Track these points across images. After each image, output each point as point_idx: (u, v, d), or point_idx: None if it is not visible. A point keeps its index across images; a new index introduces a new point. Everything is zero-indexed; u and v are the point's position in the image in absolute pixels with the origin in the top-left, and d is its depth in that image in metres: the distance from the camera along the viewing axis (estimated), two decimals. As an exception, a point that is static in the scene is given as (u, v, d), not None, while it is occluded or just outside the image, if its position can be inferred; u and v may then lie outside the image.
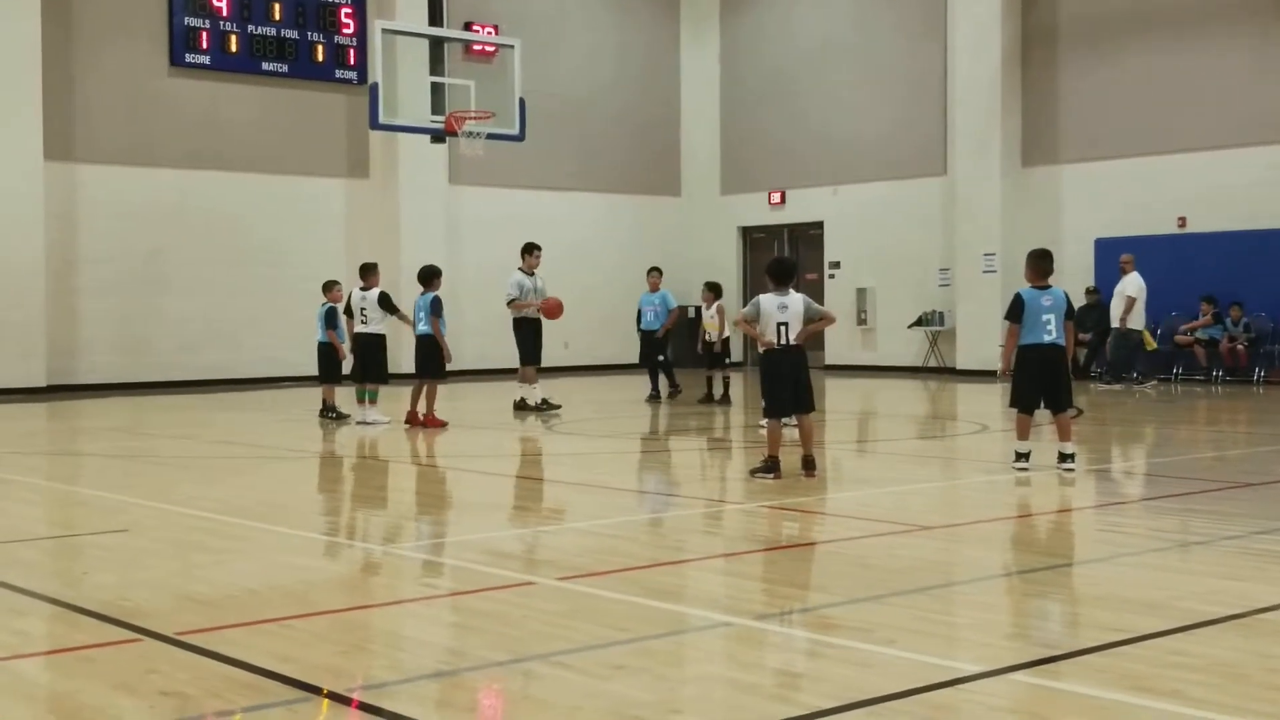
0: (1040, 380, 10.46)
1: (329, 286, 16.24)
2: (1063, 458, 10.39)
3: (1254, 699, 4.48)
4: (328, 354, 16.06)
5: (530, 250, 17.16)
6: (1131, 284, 19.79)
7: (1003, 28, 23.09)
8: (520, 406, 16.92)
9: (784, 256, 12.20)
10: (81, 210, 21.70)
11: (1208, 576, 6.64)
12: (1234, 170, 20.70)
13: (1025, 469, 10.40)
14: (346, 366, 15.96)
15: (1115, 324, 20.02)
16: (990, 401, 18.84)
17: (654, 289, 18.88)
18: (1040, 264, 10.60)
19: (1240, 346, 20.20)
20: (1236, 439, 14.08)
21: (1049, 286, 10.49)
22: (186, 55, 22.39)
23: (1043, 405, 10.57)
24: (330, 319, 15.99)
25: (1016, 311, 10.43)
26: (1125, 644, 5.17)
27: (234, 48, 22.78)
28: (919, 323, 24.62)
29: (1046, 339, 10.34)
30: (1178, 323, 21.15)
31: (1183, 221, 21.33)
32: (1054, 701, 4.57)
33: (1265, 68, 20.51)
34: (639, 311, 18.96)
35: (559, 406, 16.92)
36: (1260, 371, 20.18)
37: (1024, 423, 10.61)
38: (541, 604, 6.13)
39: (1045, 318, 10.33)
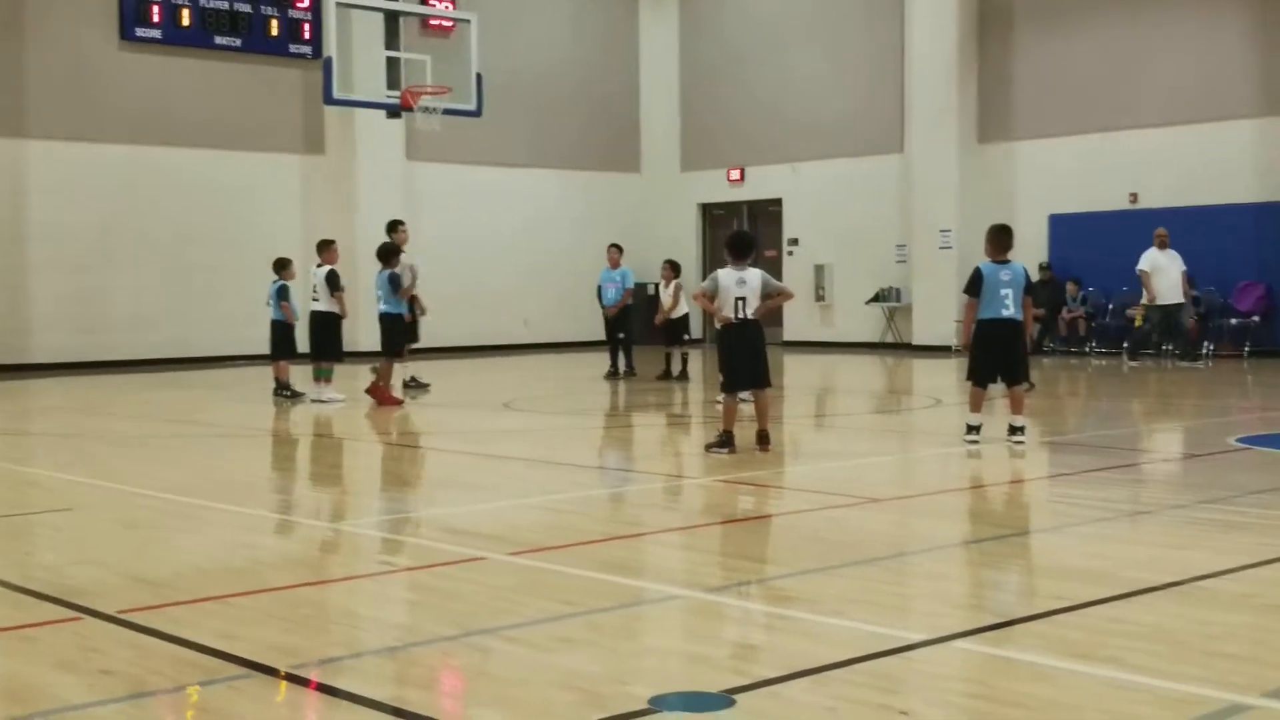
0: (997, 354, 10.51)
1: (281, 265, 16.07)
2: (1013, 430, 10.46)
3: (1191, 664, 4.54)
4: (281, 331, 15.95)
5: (396, 227, 16.37)
6: (1145, 259, 19.22)
7: (959, 6, 23.15)
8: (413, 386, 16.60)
9: (743, 231, 12.20)
10: (31, 187, 21.42)
11: (1151, 546, 6.73)
12: (1185, 147, 20.88)
13: (976, 441, 10.47)
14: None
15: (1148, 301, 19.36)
16: (946, 376, 18.96)
17: (614, 265, 18.82)
18: (1000, 238, 10.62)
19: (1191, 321, 20.39)
20: (1184, 411, 14.23)
21: (1008, 261, 10.53)
22: (137, 29, 22.11)
23: (998, 379, 10.62)
24: (282, 295, 15.86)
25: (975, 286, 10.47)
26: (1067, 611, 5.23)
27: (186, 21, 22.49)
28: (876, 299, 24.72)
29: (1005, 313, 10.38)
30: (1129, 298, 21.32)
31: (1134, 197, 21.49)
32: (998, 668, 4.62)
33: (1215, 46, 20.67)
34: (599, 288, 18.91)
35: (427, 385, 16.62)
36: (1209, 345, 20.39)
37: (977, 396, 10.67)
38: (493, 579, 6.13)
39: (1004, 292, 10.37)
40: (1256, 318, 19.83)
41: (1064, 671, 4.48)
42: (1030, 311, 10.72)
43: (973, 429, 10.57)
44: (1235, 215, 20.21)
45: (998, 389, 10.89)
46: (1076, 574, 5.95)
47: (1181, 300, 19.23)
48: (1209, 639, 4.86)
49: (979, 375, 10.60)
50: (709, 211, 27.96)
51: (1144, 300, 19.37)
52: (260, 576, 6.27)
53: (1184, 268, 19.03)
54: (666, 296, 17.81)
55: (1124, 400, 15.39)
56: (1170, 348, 19.61)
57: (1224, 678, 4.40)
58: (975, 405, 10.65)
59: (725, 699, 4.22)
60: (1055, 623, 5.10)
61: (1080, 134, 22.08)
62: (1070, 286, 21.78)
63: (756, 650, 4.99)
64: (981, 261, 10.65)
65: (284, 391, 15.71)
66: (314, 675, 4.62)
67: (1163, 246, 19.06)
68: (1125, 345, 20.32)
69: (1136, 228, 21.24)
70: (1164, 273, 18.98)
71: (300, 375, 16.02)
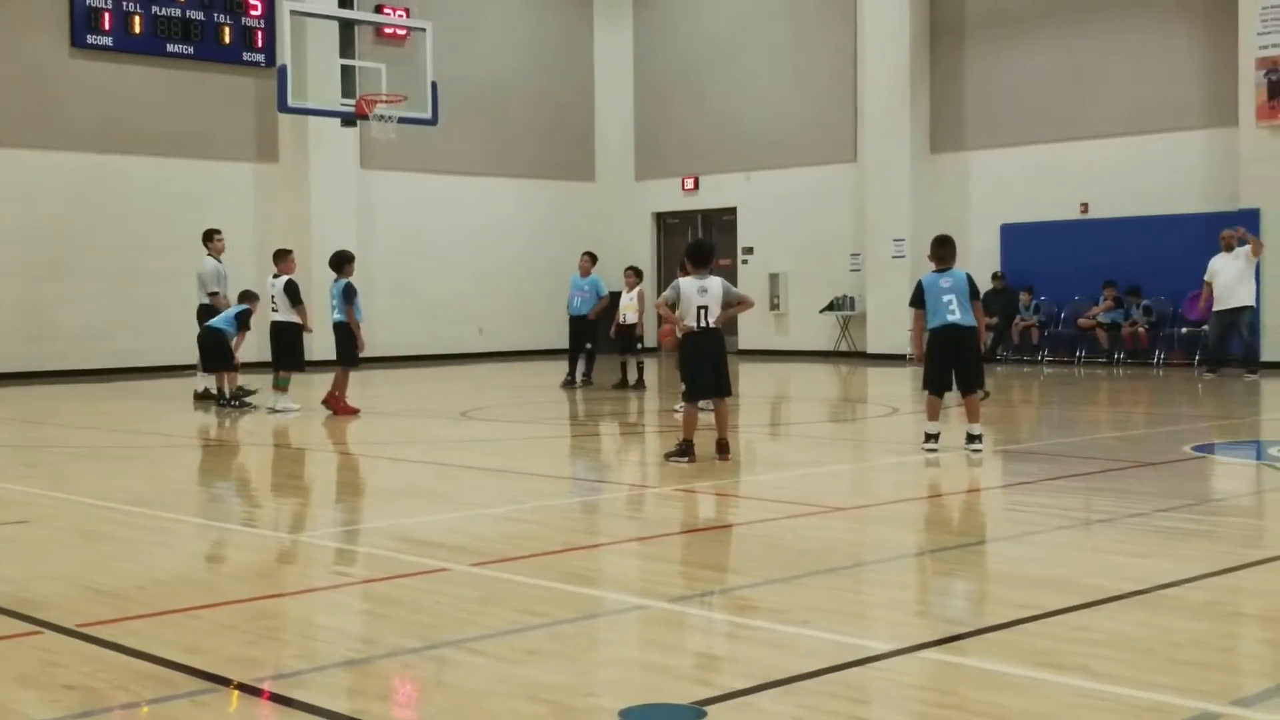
0: (949, 361, 10.59)
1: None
2: (970, 439, 10.53)
3: (1158, 672, 4.58)
4: (215, 341, 15.84)
5: (211, 236, 16.72)
6: (1210, 265, 18.44)
7: (912, 16, 23.33)
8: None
9: (702, 239, 12.22)
10: (-21, 195, 21.13)
11: (1112, 554, 6.77)
12: (1135, 157, 21.13)
13: (934, 449, 10.53)
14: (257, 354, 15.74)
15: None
16: (900, 384, 19.06)
17: (585, 273, 18.75)
18: (938, 249, 10.85)
19: (1141, 330, 20.62)
20: (1138, 420, 14.38)
21: (949, 269, 10.64)
22: (88, 36, 21.87)
23: (953, 387, 10.70)
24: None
25: (918, 298, 10.64)
26: (1032, 620, 5.25)
27: (138, 29, 22.28)
28: (830, 307, 24.83)
29: (950, 318, 10.48)
30: (1080, 307, 21.54)
31: (1085, 207, 21.72)
32: (963, 677, 4.63)
33: (1163, 56, 20.95)
34: (569, 295, 18.80)
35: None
36: (1160, 354, 20.63)
37: (934, 404, 10.74)
38: (455, 590, 6.09)
39: (946, 298, 10.48)
40: (1206, 327, 20.04)
41: (1032, 680, 4.50)
42: (981, 318, 10.79)
43: (931, 437, 10.64)
44: (1185, 225, 20.45)
45: (955, 397, 10.97)
46: (1040, 582, 5.98)
47: (1241, 304, 18.21)
48: (1175, 647, 4.90)
49: (934, 383, 10.68)
50: (663, 220, 27.99)
51: (1225, 304, 18.32)
52: (221, 589, 6.20)
53: (1241, 263, 18.11)
54: (629, 303, 17.79)
55: (1077, 409, 15.53)
56: (1234, 355, 18.63)
57: (1191, 685, 4.43)
58: (932, 413, 10.73)
59: (697, 710, 4.20)
60: (1021, 631, 5.12)
61: (1032, 144, 22.29)
62: (1023, 295, 21.97)
63: (724, 661, 4.98)
64: (925, 273, 10.82)
65: (222, 400, 15.60)
66: (277, 688, 4.57)
67: (1228, 248, 18.33)
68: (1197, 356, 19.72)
69: (1087, 237, 21.51)
70: (1220, 276, 18.30)
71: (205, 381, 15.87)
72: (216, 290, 16.49)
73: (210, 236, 16.88)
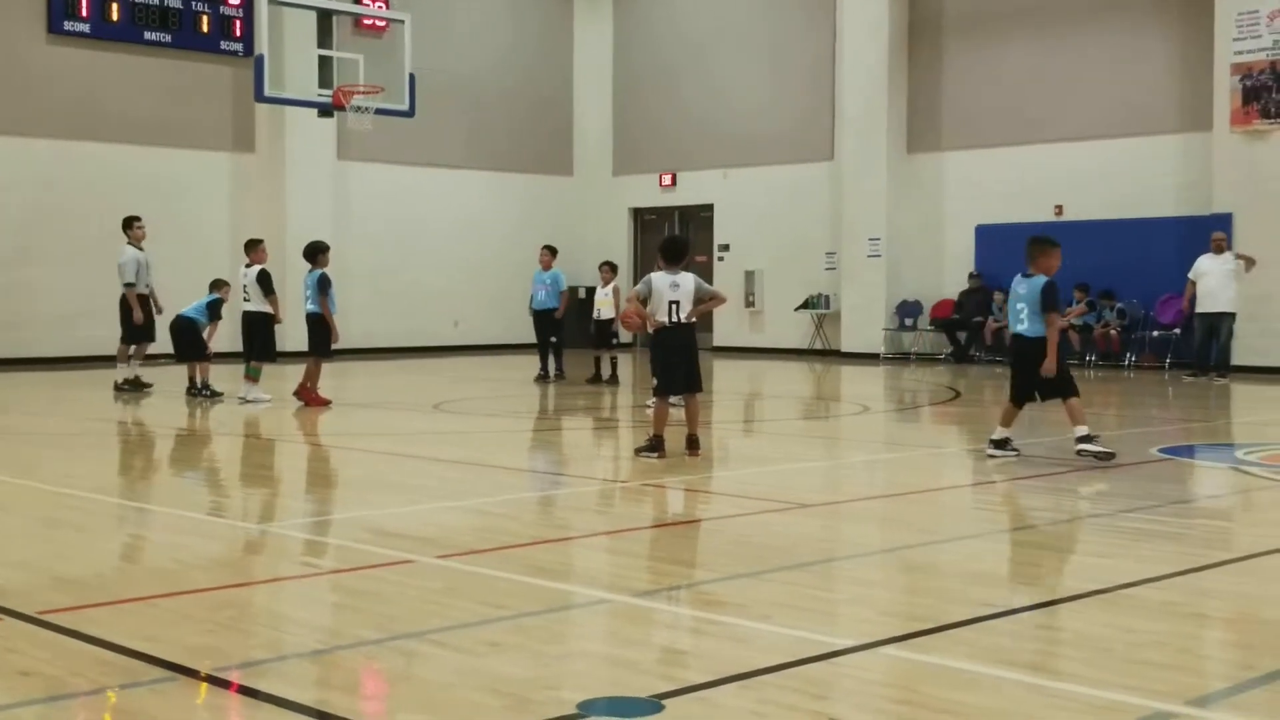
0: (1020, 372, 10.11)
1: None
2: (1080, 440, 9.96)
3: (1118, 672, 4.60)
4: (187, 330, 15.81)
5: (130, 224, 16.58)
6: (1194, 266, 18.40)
7: (890, 16, 23.37)
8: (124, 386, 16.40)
9: (677, 235, 12.13)
10: (-48, 180, 20.98)
11: (1075, 554, 6.81)
12: (1109, 160, 21.23)
13: (1001, 455, 10.11)
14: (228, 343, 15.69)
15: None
16: (874, 383, 19.14)
17: (546, 267, 18.76)
18: (1028, 249, 10.25)
19: (1113, 332, 20.72)
20: (1108, 421, 14.43)
21: (1031, 275, 10.13)
22: (65, 23, 21.72)
23: (1036, 398, 10.19)
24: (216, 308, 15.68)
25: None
26: (993, 618, 5.28)
27: (115, 16, 22.14)
28: (805, 305, 24.87)
29: (1018, 328, 10.08)
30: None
31: (1060, 210, 21.81)
32: (924, 674, 4.65)
33: (1139, 61, 21.05)
34: (532, 290, 18.83)
35: (150, 386, 16.38)
36: (1131, 356, 20.74)
37: (1009, 412, 10.26)
38: (420, 581, 6.08)
39: (1019, 306, 9.99)
40: (1178, 330, 20.17)
41: (992, 678, 4.51)
42: (1053, 331, 9.99)
43: (998, 444, 10.25)
44: (1158, 229, 20.57)
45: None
46: (1003, 581, 6.02)
47: (1221, 310, 18.15)
48: (1135, 646, 4.92)
49: (1011, 391, 10.22)
50: (640, 216, 27.99)
51: (1206, 308, 18.26)
52: (183, 578, 6.17)
53: (1230, 267, 18.07)
54: (605, 298, 17.79)
55: (1046, 410, 15.55)
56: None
57: (1150, 685, 4.46)
58: (1005, 420, 10.28)
59: (654, 704, 4.21)
60: (983, 629, 5.14)
61: (1008, 146, 22.37)
62: (997, 296, 22.02)
63: (685, 655, 4.99)
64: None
65: (202, 391, 15.55)
66: (237, 678, 4.55)
67: (1217, 250, 18.27)
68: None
69: (1061, 239, 21.45)
70: (1206, 277, 18.22)
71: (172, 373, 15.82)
72: (132, 282, 16.24)
73: (130, 224, 16.54)
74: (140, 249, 16.49)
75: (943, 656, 4.79)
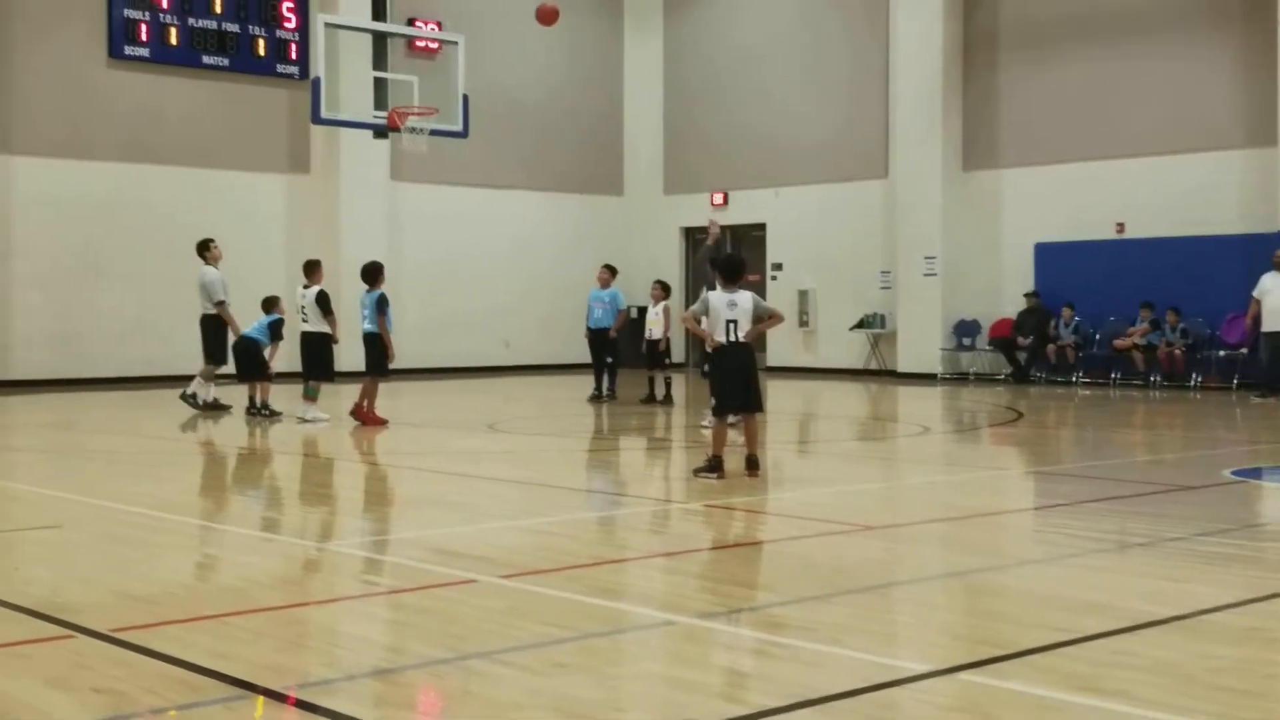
0: None
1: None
2: None
3: (1200, 699, 4.49)
4: (250, 351, 15.89)
5: (208, 245, 16.79)
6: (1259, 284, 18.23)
7: (944, 32, 23.24)
8: (191, 402, 16.44)
9: (733, 254, 12.07)
10: (16, 203, 21.28)
11: (1150, 578, 6.68)
12: (1171, 176, 20.94)
13: None
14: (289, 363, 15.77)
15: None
16: (931, 403, 18.96)
17: (604, 285, 18.73)
18: None
19: (1177, 352, 20.43)
20: (1174, 443, 14.22)
21: None
22: (125, 47, 22.03)
23: None
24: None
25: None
26: (1070, 644, 5.17)
27: (174, 40, 22.44)
28: (860, 325, 24.72)
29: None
30: (1116, 328, 21.38)
31: (1121, 227, 21.55)
32: (1000, 700, 4.56)
33: (1200, 74, 20.77)
34: (588, 308, 18.81)
35: (229, 408, 16.39)
36: (1197, 377, 20.42)
37: None
38: (483, 601, 6.05)
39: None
40: (1244, 350, 19.84)
41: (1071, 704, 4.42)
42: None
43: None
44: (1223, 246, 20.26)
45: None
46: (1076, 606, 5.89)
47: None
48: (1215, 673, 4.81)
49: None
50: (692, 235, 27.95)
51: (1271, 326, 18.05)
52: (251, 596, 6.18)
53: None
54: (655, 318, 17.75)
55: (1113, 431, 15.38)
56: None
57: (1231, 712, 4.35)
58: None
59: (729, 728, 4.15)
60: (1059, 655, 5.03)
61: (1066, 162, 22.14)
62: (1065, 312, 21.78)
63: (753, 678, 4.92)
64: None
65: (262, 410, 15.63)
66: (305, 695, 4.54)
67: (1278, 267, 18.18)
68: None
69: (1123, 257, 21.33)
70: (1270, 295, 18.03)
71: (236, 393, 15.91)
72: (223, 299, 16.42)
73: (206, 245, 16.78)
74: (217, 268, 16.68)
75: (1020, 682, 4.69)
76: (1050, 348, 21.72)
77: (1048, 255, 22.26)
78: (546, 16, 16.47)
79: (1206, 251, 20.42)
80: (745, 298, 10.25)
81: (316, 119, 19.29)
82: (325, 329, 15.38)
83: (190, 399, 16.44)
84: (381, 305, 14.85)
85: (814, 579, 6.57)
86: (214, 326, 16.38)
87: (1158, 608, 5.78)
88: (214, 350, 16.48)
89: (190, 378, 16.82)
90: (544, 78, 26.82)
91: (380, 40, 20.00)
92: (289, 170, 23.93)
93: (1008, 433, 14.95)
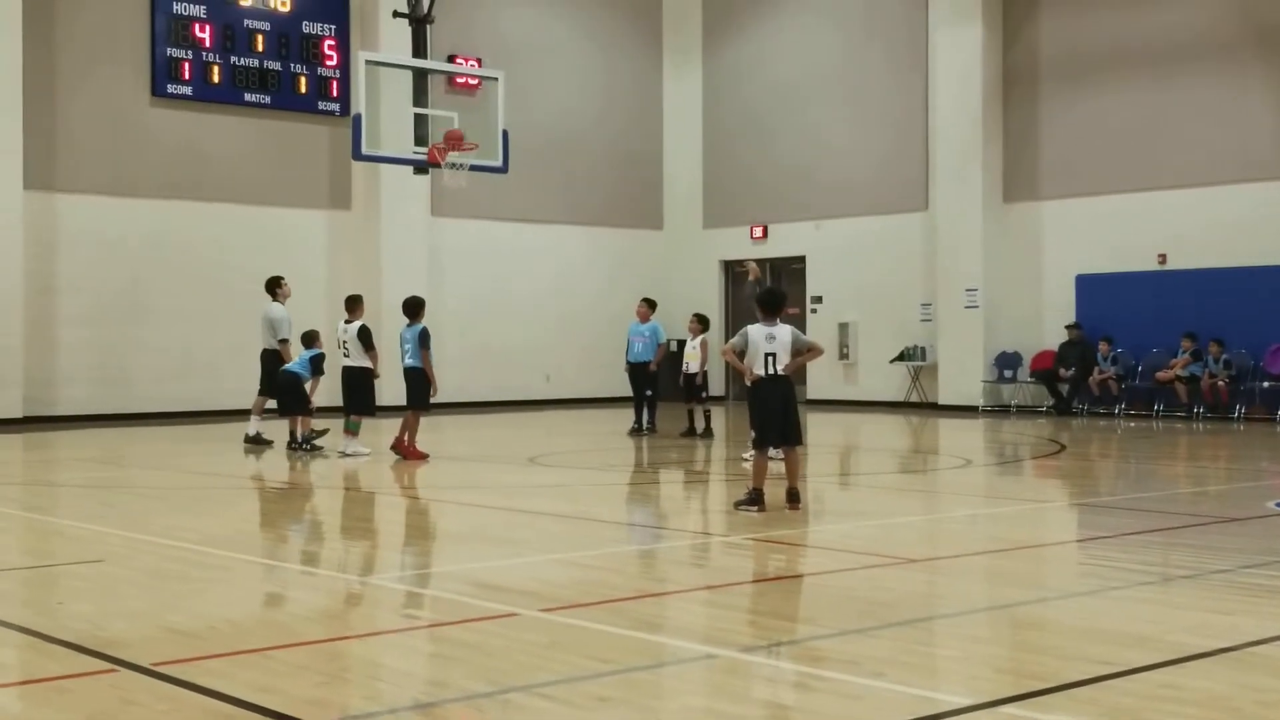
0: None
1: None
2: None
3: (1248, 732, 4.43)
4: (292, 385, 15.98)
5: (279, 283, 16.91)
6: None
7: (984, 64, 23.23)
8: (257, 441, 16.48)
9: (774, 287, 12.07)
10: (61, 240, 21.58)
11: (1196, 610, 6.60)
12: (1214, 208, 20.80)
13: None
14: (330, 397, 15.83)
15: None
16: (973, 436, 18.84)
17: (643, 319, 18.74)
18: None
19: (1221, 384, 20.24)
20: (1218, 475, 14.08)
21: None
22: (169, 86, 22.35)
23: None
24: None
25: None
26: (1115, 677, 5.12)
27: (216, 78, 22.74)
28: (901, 357, 24.63)
29: None
30: (1159, 360, 21.20)
31: (1163, 258, 21.41)
32: (1046, 735, 4.51)
33: (1243, 106, 20.65)
34: (628, 342, 18.82)
35: (270, 443, 16.34)
36: (1241, 408, 20.22)
37: None
38: (524, 635, 6.05)
39: None
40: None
41: (1117, 738, 4.37)
42: None
43: None
44: (1266, 277, 20.09)
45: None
46: (1122, 639, 5.83)
47: None
48: (1265, 705, 4.74)
49: None
50: (731, 268, 27.97)
51: None
52: (294, 630, 6.20)
53: None
54: (692, 351, 17.73)
55: (1156, 463, 15.24)
56: None
57: (1282, 746, 4.29)
58: None
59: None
60: (1106, 688, 4.98)
61: (1107, 194, 22.03)
62: (1103, 346, 21.65)
63: (796, 713, 4.89)
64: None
65: (303, 445, 15.70)
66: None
67: None
68: None
69: (1166, 289, 21.18)
70: None
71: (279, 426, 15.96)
72: (286, 338, 16.58)
73: (277, 283, 16.98)
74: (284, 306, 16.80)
75: (1063, 716, 4.65)
76: (1093, 380, 21.55)
77: (1089, 287, 22.14)
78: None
79: (1250, 283, 20.25)
80: (784, 331, 10.25)
81: (358, 155, 19.46)
82: (367, 364, 15.46)
83: (254, 440, 16.48)
84: (424, 339, 14.93)
85: (856, 612, 6.53)
86: (276, 363, 16.45)
87: (1203, 640, 5.72)
88: (268, 385, 16.58)
89: (239, 412, 16.86)
90: (584, 113, 26.97)
91: (421, 77, 20.16)
92: (330, 206, 24.15)
93: (1050, 465, 14.84)
